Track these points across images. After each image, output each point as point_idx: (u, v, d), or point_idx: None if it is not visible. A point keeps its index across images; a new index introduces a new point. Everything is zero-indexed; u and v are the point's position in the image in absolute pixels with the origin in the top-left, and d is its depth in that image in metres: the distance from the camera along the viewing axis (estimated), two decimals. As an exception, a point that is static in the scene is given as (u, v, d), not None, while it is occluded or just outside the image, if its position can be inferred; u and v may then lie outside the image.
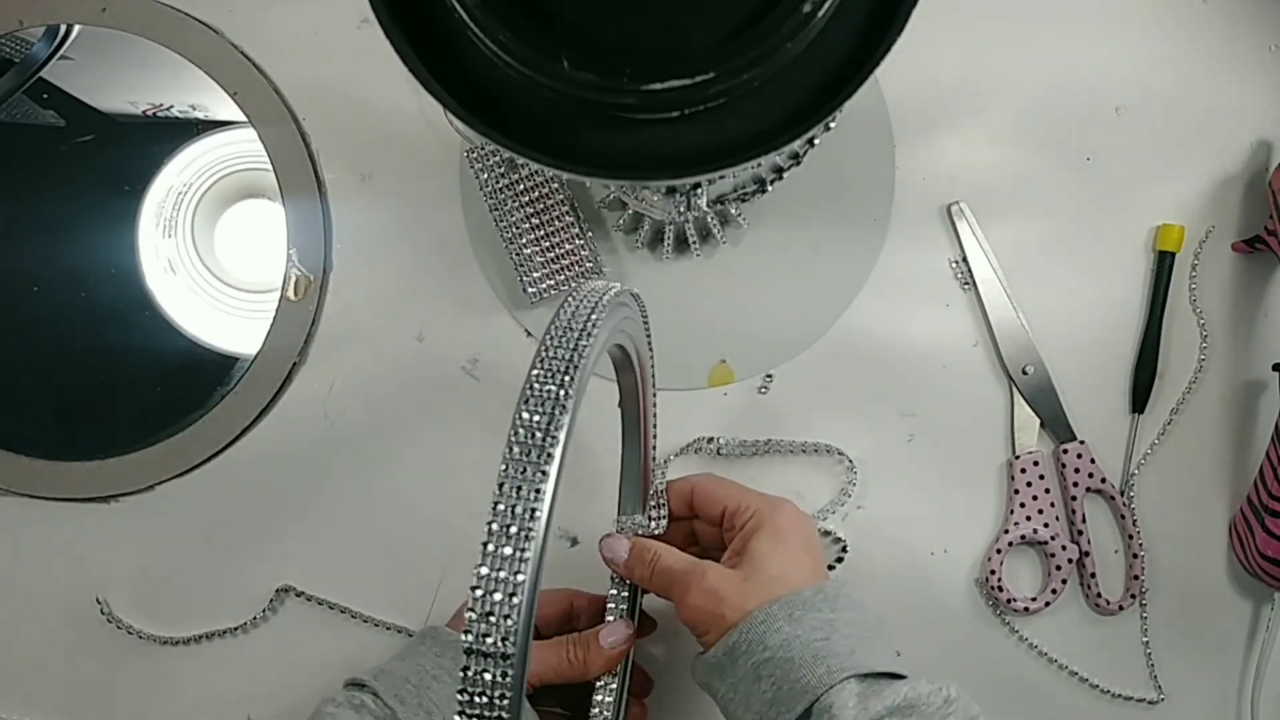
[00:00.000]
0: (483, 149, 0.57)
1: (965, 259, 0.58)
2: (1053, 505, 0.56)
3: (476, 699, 0.28)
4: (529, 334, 0.58)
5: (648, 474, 0.49)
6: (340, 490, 0.57)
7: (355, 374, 0.58)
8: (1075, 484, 0.56)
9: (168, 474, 0.57)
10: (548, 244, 0.56)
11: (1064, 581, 0.55)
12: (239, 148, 0.59)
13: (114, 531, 0.58)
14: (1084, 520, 0.56)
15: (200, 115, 0.59)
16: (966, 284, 0.58)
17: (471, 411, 0.57)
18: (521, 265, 0.56)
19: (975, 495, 0.57)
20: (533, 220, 0.56)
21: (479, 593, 0.29)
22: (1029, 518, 0.56)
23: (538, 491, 0.31)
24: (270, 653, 0.57)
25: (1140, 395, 0.57)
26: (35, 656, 0.57)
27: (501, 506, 0.30)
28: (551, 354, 0.32)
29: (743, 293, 0.58)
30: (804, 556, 0.44)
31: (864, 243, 0.58)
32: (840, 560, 0.56)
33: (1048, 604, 0.55)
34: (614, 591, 0.49)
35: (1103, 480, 0.56)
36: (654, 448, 0.49)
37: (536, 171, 0.56)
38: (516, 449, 0.32)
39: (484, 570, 0.29)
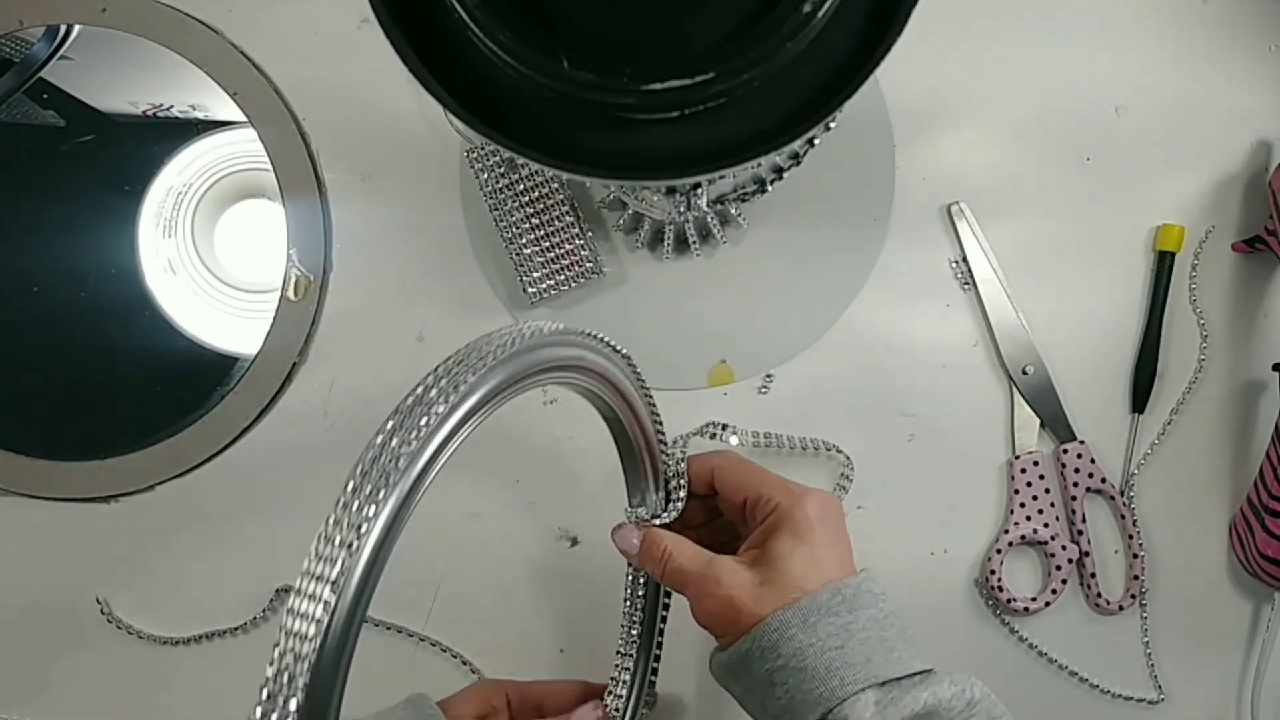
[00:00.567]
0: (483, 149, 0.57)
1: (965, 259, 0.58)
2: (1053, 505, 0.56)
3: None
4: (529, 334, 0.58)
5: (655, 458, 0.46)
6: (340, 490, 0.57)
7: (355, 374, 0.58)
8: (1075, 484, 0.56)
9: (168, 474, 0.57)
10: (548, 244, 0.56)
11: (1064, 581, 0.55)
12: (239, 148, 0.59)
13: (114, 531, 0.58)
14: (1084, 520, 0.56)
15: (200, 115, 0.59)
16: (966, 284, 0.58)
17: (471, 411, 0.57)
18: (521, 265, 0.56)
19: (975, 495, 0.57)
20: (533, 220, 0.56)
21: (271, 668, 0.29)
22: (1029, 518, 0.56)
23: (359, 534, 0.31)
24: (270, 653, 0.57)
25: (1140, 395, 0.57)
26: (35, 656, 0.57)
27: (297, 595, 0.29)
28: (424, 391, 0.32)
29: (743, 293, 0.58)
30: (828, 553, 0.42)
31: (864, 243, 0.58)
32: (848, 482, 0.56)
33: (1048, 604, 0.55)
34: (626, 604, 0.48)
35: (1103, 480, 0.56)
36: (661, 428, 0.47)
37: (536, 171, 0.56)
38: (355, 482, 0.32)
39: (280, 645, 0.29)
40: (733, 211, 0.53)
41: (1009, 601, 0.55)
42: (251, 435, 0.58)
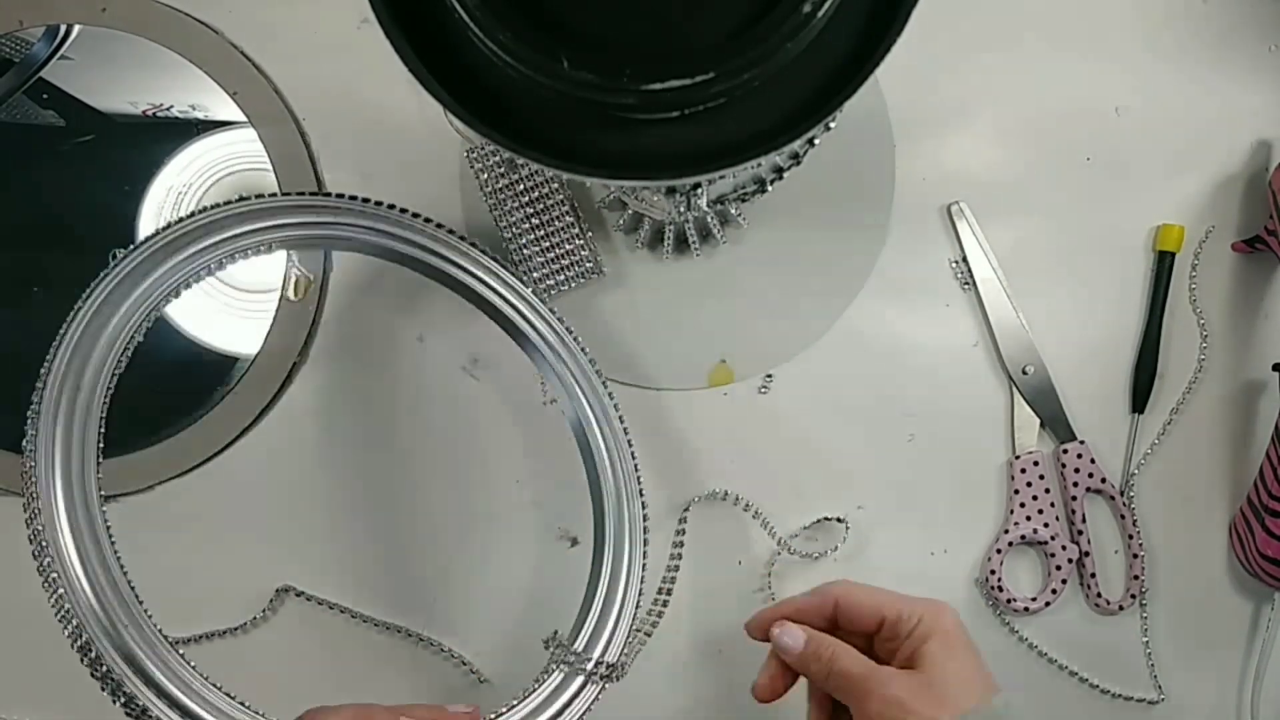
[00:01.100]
0: (483, 149, 0.57)
1: (965, 259, 0.58)
2: (1053, 505, 0.56)
3: None
4: (529, 334, 0.58)
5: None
6: (340, 490, 0.57)
7: (355, 374, 0.58)
8: (1075, 484, 0.56)
9: (168, 474, 0.57)
10: (548, 244, 0.56)
11: (1064, 581, 0.55)
12: (239, 148, 0.59)
13: (114, 531, 0.58)
14: (1084, 520, 0.56)
15: (200, 115, 0.59)
16: (966, 284, 0.58)
17: (471, 411, 0.57)
18: (521, 265, 0.56)
19: (975, 495, 0.57)
20: (533, 220, 0.56)
21: None
22: (1029, 518, 0.56)
23: None
24: (270, 653, 0.57)
25: (1140, 395, 0.57)
26: (35, 656, 0.57)
27: None
28: None
29: (743, 293, 0.58)
30: (976, 662, 0.43)
31: (864, 243, 0.58)
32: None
33: (1048, 604, 0.55)
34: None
35: (1103, 480, 0.56)
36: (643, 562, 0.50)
37: (536, 171, 0.56)
38: None
39: None
40: (733, 211, 0.53)
41: (1009, 601, 0.55)
42: (251, 435, 0.58)
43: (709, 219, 0.52)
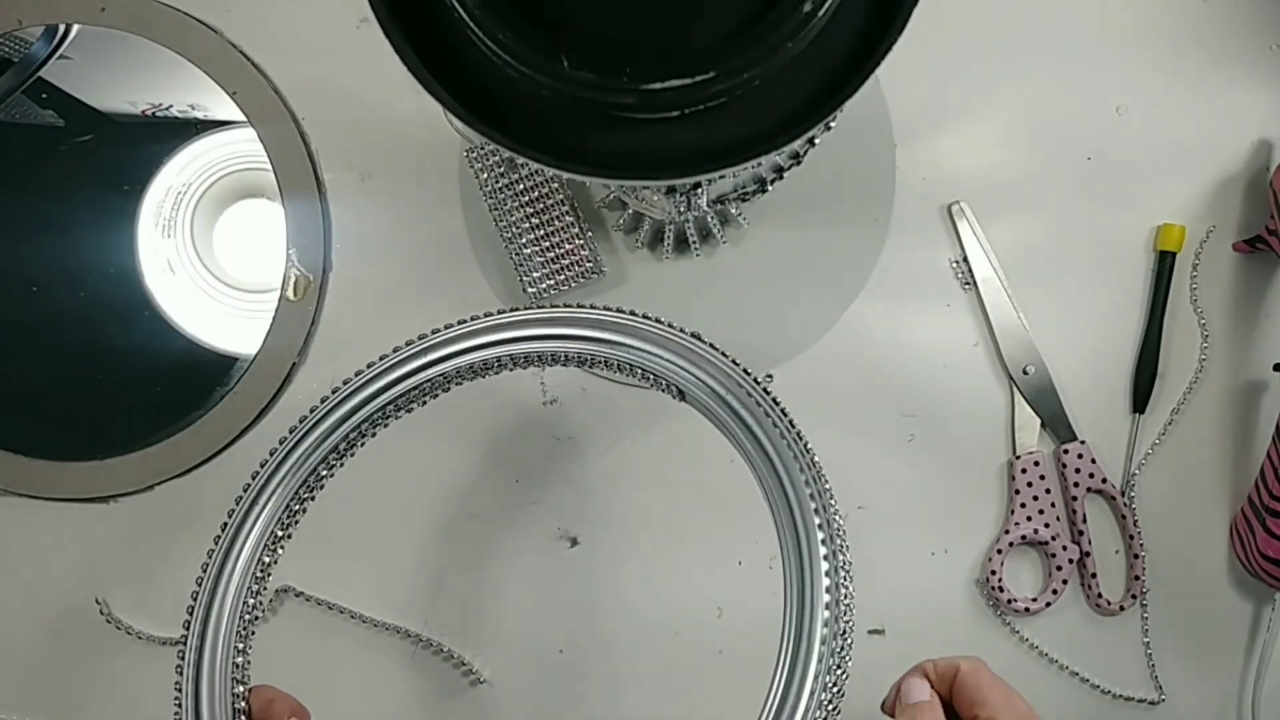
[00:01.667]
0: (483, 149, 0.57)
1: (965, 259, 0.58)
2: (1053, 505, 0.56)
3: None
4: (529, 334, 0.58)
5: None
6: (340, 490, 0.57)
7: (355, 374, 0.58)
8: (1076, 484, 0.56)
9: (168, 474, 0.57)
10: (548, 244, 0.56)
11: (1064, 582, 0.55)
12: (238, 147, 0.59)
13: (114, 531, 0.58)
14: (1084, 520, 0.56)
15: (199, 115, 0.59)
16: (967, 284, 0.58)
17: (471, 411, 0.57)
18: (521, 265, 0.56)
19: (975, 495, 0.57)
20: (533, 220, 0.56)
21: None
22: (1029, 518, 0.56)
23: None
24: (270, 653, 0.57)
25: (1141, 395, 0.57)
26: (35, 656, 0.57)
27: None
28: None
29: (743, 293, 0.58)
30: None
31: (864, 242, 0.58)
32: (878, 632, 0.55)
33: (1048, 604, 0.55)
34: None
35: (1103, 480, 0.56)
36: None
37: (536, 171, 0.56)
38: None
39: None
40: (733, 211, 0.52)
41: (1009, 602, 0.55)
42: (251, 435, 0.58)
43: (709, 219, 0.52)
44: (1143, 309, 0.58)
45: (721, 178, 0.43)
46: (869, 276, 0.58)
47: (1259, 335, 0.57)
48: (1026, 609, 0.55)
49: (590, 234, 0.57)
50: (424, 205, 0.59)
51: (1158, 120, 0.59)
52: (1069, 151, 0.58)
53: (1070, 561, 0.55)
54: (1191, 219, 0.58)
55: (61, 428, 0.59)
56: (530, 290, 0.56)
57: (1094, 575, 0.55)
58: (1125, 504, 0.56)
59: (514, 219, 0.56)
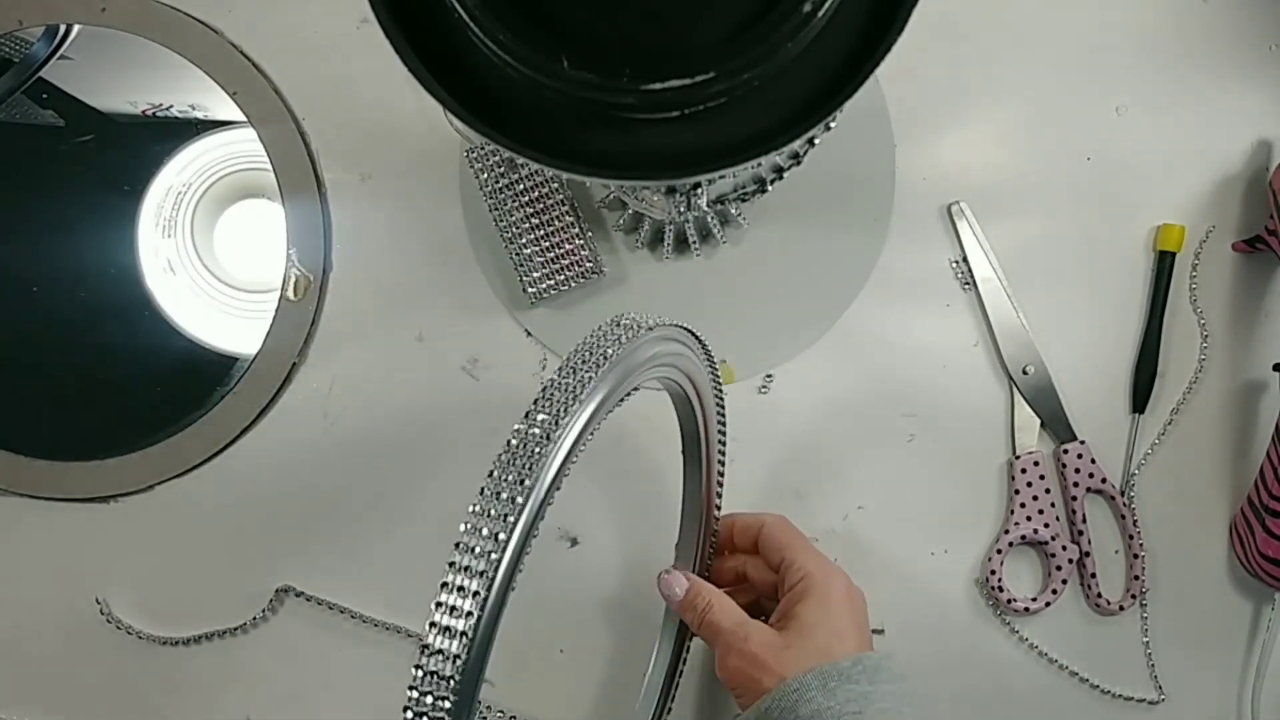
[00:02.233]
0: (483, 149, 0.57)
1: (965, 259, 0.58)
2: (1053, 505, 0.56)
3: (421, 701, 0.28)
4: (529, 334, 0.58)
5: (710, 511, 0.48)
6: (340, 490, 0.57)
7: (355, 374, 0.58)
8: (1075, 484, 0.56)
9: (168, 474, 0.57)
10: (548, 244, 0.56)
11: (1064, 582, 0.55)
12: (238, 148, 0.59)
13: (114, 531, 0.58)
14: (1084, 520, 0.56)
15: (200, 115, 0.59)
16: (967, 284, 0.58)
17: (471, 411, 0.57)
18: (521, 265, 0.56)
19: (975, 495, 0.57)
20: (533, 220, 0.56)
21: (433, 629, 0.29)
22: (1029, 518, 0.56)
23: (506, 524, 0.30)
24: (270, 653, 0.57)
25: (1140, 395, 0.57)
26: (35, 656, 0.57)
27: (466, 538, 0.30)
28: (556, 384, 0.32)
29: (743, 293, 0.58)
30: (850, 629, 0.43)
31: (864, 243, 0.58)
32: (879, 632, 0.55)
33: (1048, 604, 0.55)
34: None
35: (1103, 480, 0.56)
36: (720, 485, 0.48)
37: (536, 171, 0.56)
38: (498, 473, 0.31)
39: (442, 598, 0.29)
40: (733, 211, 0.53)
41: (1009, 601, 0.55)
42: (251, 435, 0.58)
43: (709, 219, 0.52)
44: (1142, 309, 0.58)
45: (721, 178, 0.43)
46: (869, 276, 0.58)
47: (1259, 335, 0.58)
48: (1026, 609, 0.55)
49: (590, 234, 0.57)
50: (424, 205, 0.59)
51: (1157, 120, 0.59)
52: (1069, 151, 0.58)
53: (1070, 561, 0.55)
54: (1191, 219, 0.58)
55: (61, 428, 0.59)
56: (530, 290, 0.56)
57: (1094, 575, 0.55)
58: (1125, 504, 0.56)
59: (514, 219, 0.56)
